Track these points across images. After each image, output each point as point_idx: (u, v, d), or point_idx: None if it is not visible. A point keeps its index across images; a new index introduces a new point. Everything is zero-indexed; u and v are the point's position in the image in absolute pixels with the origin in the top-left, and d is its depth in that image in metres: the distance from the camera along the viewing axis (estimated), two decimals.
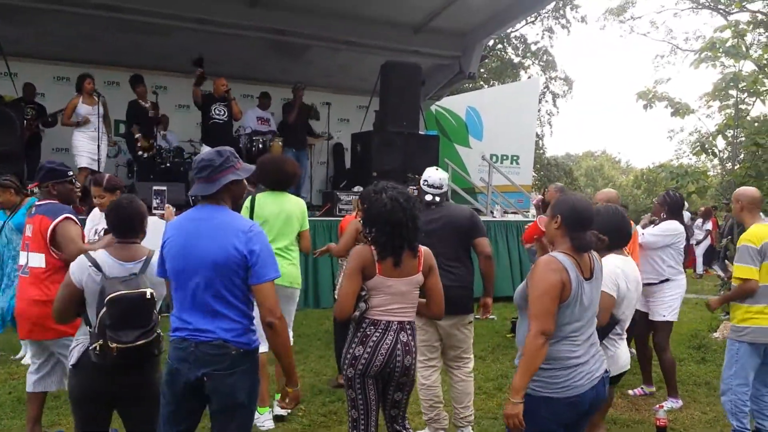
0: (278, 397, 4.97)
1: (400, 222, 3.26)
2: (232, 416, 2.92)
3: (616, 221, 3.54)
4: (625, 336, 3.51)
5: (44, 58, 10.64)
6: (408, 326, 3.37)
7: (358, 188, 9.66)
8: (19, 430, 4.46)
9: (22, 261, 4.11)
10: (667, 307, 5.50)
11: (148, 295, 3.05)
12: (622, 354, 3.48)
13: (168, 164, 9.93)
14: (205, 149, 9.59)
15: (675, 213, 5.64)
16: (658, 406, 5.00)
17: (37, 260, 3.98)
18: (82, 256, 3.21)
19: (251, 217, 4.74)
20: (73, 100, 8.93)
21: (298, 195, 10.39)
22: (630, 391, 5.71)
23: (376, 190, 3.39)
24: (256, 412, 4.65)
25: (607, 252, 3.44)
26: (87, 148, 8.83)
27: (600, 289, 3.06)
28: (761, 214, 4.72)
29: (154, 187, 4.00)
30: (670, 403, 5.49)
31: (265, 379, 4.81)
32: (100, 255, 3.20)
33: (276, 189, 4.92)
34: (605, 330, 3.33)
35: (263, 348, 4.77)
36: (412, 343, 3.36)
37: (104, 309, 2.99)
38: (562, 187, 6.37)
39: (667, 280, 5.51)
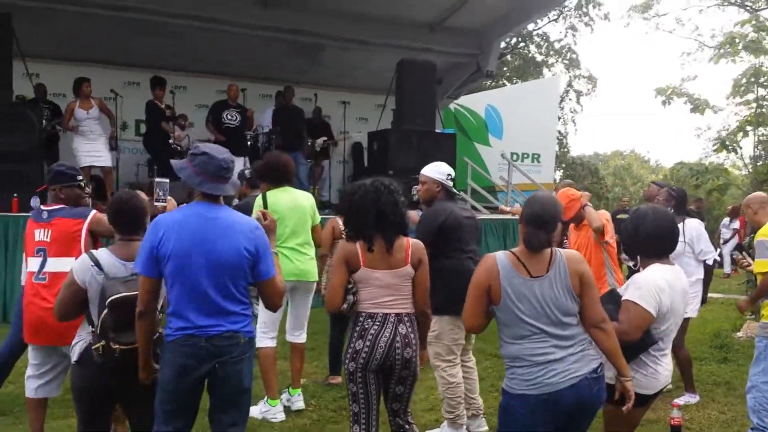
0: (297, 392, 5.05)
1: (367, 205, 3.27)
2: (239, 402, 3.05)
3: (664, 226, 3.26)
4: (668, 351, 3.29)
5: (64, 59, 10.77)
6: (406, 318, 3.33)
7: None
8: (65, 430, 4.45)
9: (32, 267, 3.92)
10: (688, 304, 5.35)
11: None
12: (662, 371, 3.24)
13: None
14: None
15: (682, 208, 5.55)
16: (672, 404, 4.87)
17: (63, 265, 3.71)
18: (84, 255, 3.20)
19: None
20: (70, 104, 9.09)
21: (315, 194, 10.45)
22: (676, 400, 5.39)
23: (360, 182, 3.44)
24: (268, 405, 4.75)
25: (652, 260, 3.25)
26: (84, 148, 9.01)
27: (564, 284, 2.88)
28: None
29: (156, 179, 3.98)
30: (687, 398, 5.38)
31: (274, 374, 4.85)
32: (102, 254, 3.18)
33: (281, 184, 4.92)
34: (638, 348, 3.12)
35: (272, 343, 4.83)
36: (412, 336, 3.32)
37: (105, 311, 2.98)
38: (570, 183, 6.34)
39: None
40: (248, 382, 3.07)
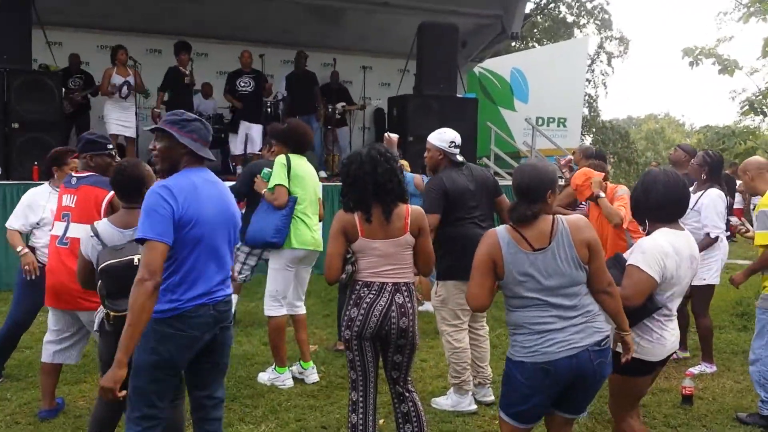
0: (309, 366, 5.04)
1: (364, 176, 3.21)
2: (225, 366, 3.11)
3: (675, 191, 3.16)
4: (674, 316, 3.21)
5: (87, 27, 10.81)
6: (404, 287, 3.30)
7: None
8: (76, 395, 4.58)
9: (57, 231, 4.00)
10: (707, 269, 5.19)
11: (136, 261, 2.99)
12: (669, 337, 3.16)
13: None
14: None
15: (716, 173, 5.32)
16: (686, 373, 4.82)
17: (83, 231, 3.72)
18: (88, 227, 3.25)
19: (288, 174, 4.70)
20: (107, 71, 9.18)
21: (335, 161, 10.47)
22: (691, 369, 5.27)
23: (356, 151, 3.37)
24: (277, 372, 4.81)
25: (660, 225, 3.16)
26: (115, 116, 9.15)
27: (569, 254, 2.82)
28: None
29: None
30: (702, 367, 5.33)
31: (284, 343, 4.88)
32: (102, 224, 3.24)
33: (300, 152, 4.89)
34: (642, 314, 3.06)
35: (284, 312, 4.85)
36: (409, 305, 3.30)
37: (99, 280, 3.04)
38: (586, 148, 6.19)
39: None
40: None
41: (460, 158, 4.53)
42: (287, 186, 4.68)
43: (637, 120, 50.68)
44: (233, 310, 6.11)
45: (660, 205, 3.16)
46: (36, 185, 7.43)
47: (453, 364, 4.46)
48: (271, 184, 4.73)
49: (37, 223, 4.50)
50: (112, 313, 3.02)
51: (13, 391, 4.60)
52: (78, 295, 3.76)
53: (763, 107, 8.41)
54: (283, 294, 4.84)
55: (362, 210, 3.23)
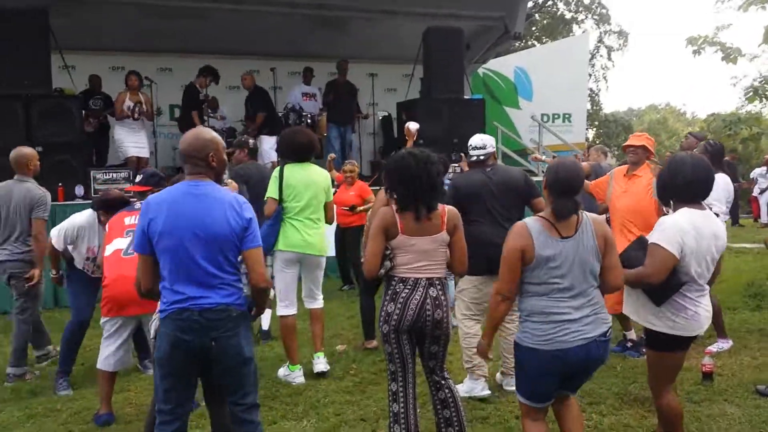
0: (319, 355, 5.27)
1: (413, 173, 3.39)
2: (243, 371, 3.13)
3: (701, 172, 3.37)
4: (706, 292, 3.39)
5: (99, 50, 11.07)
6: (437, 281, 3.51)
7: None
8: (93, 396, 4.79)
9: (119, 245, 4.32)
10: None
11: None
12: (702, 312, 3.34)
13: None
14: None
15: (717, 162, 5.56)
16: (705, 351, 5.00)
17: None
18: None
19: (280, 186, 5.00)
20: (120, 95, 9.56)
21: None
22: (710, 348, 5.39)
23: (402, 153, 3.56)
24: (289, 369, 5.08)
25: (683, 205, 3.36)
26: (129, 139, 9.52)
27: (591, 244, 3.05)
28: None
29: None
30: (720, 344, 5.50)
31: (293, 341, 5.13)
32: None
33: (296, 160, 5.13)
34: (665, 290, 3.25)
35: (290, 311, 5.09)
36: (443, 298, 3.50)
37: None
38: (601, 147, 6.44)
39: None
40: (249, 352, 3.15)
41: (474, 158, 4.84)
42: (277, 197, 5.00)
43: (638, 111, 50.60)
44: (266, 327, 6.33)
45: (687, 185, 3.36)
46: (61, 206, 7.67)
47: (464, 348, 4.72)
48: (265, 197, 5.10)
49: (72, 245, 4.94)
50: None
51: (62, 402, 4.83)
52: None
53: (767, 93, 8.57)
54: (285, 295, 5.11)
55: (407, 208, 3.42)
